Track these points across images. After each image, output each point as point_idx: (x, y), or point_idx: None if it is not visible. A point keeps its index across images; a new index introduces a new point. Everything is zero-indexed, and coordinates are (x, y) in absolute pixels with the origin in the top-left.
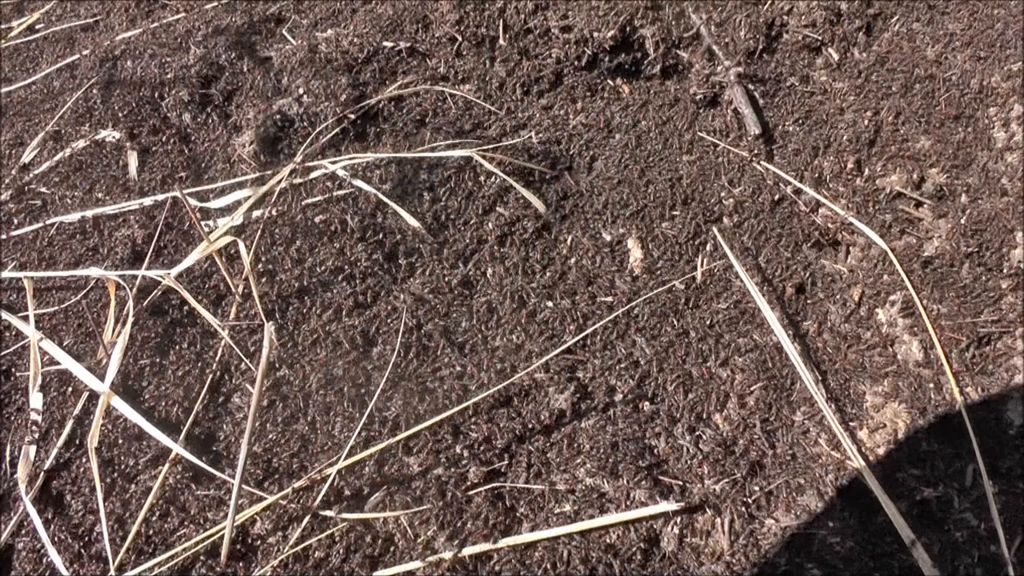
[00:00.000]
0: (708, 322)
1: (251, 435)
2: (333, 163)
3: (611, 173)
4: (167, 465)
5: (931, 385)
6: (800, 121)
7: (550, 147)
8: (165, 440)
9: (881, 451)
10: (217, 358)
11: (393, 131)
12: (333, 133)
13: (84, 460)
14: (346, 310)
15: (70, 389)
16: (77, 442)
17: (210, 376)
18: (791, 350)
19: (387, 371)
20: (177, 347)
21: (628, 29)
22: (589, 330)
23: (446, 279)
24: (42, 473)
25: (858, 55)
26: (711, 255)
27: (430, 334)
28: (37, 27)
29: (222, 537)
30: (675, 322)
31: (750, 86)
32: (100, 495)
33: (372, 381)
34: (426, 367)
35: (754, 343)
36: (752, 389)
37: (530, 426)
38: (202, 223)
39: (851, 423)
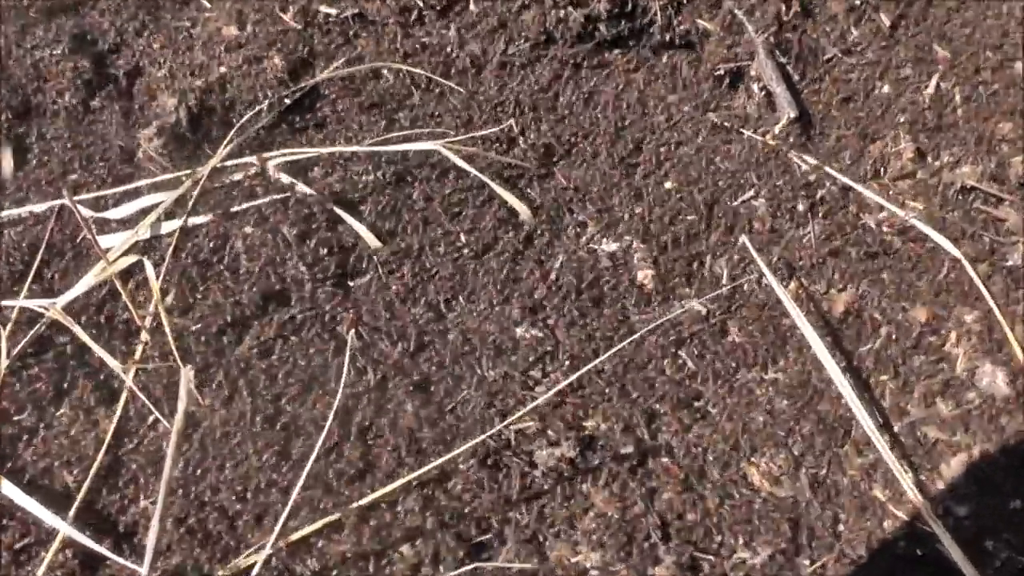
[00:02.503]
0: (737, 353)
1: (164, 508)
2: (265, 160)
3: (612, 169)
4: (53, 549)
5: (1021, 425)
6: (845, 101)
7: (535, 137)
8: (50, 519)
9: (961, 511)
10: (119, 410)
11: (339, 120)
12: (264, 122)
13: None
14: (284, 347)
15: None
16: None
17: (110, 432)
18: (843, 384)
19: (331, 423)
20: (68, 396)
21: None
22: (587, 367)
23: (408, 306)
24: None
25: (916, 19)
26: (738, 268)
27: (388, 375)
28: None
29: None
30: (695, 352)
31: (782, 59)
32: None
33: (311, 438)
34: (383, 417)
35: (795, 377)
36: (795, 434)
37: (519, 489)
38: (98, 238)
39: (921, 475)
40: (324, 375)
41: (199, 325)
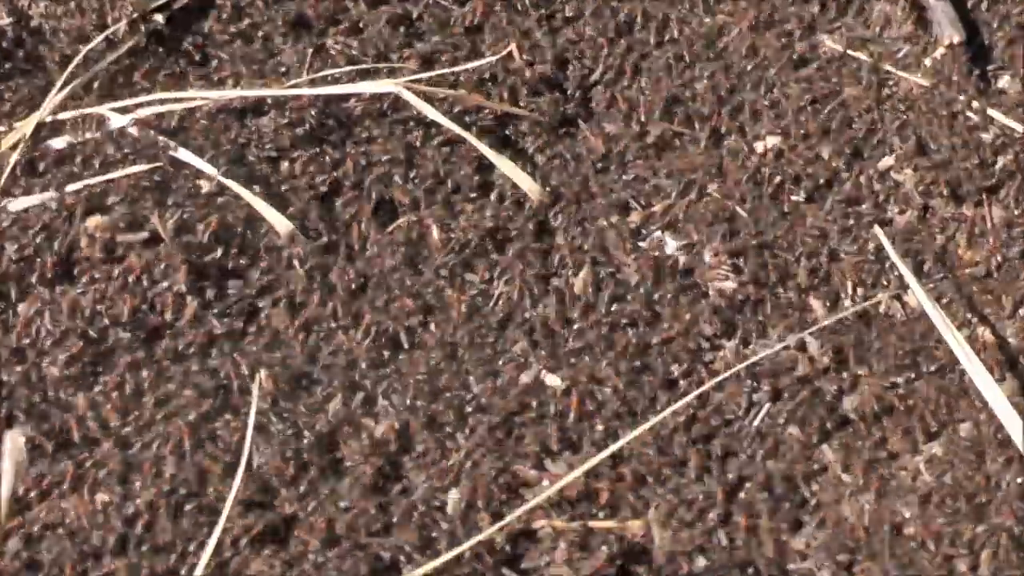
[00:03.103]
0: (868, 408)
1: None
2: (120, 111)
3: (667, 123)
4: None
5: None
6: None
7: (547, 73)
8: None
9: None
10: None
11: (239, 49)
12: (122, 52)
13: None
14: (158, 410)
15: None
16: None
17: None
18: None
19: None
20: None
21: None
22: (633, 433)
23: (351, 334)
24: None
25: None
26: (868, 277)
27: (320, 450)
28: None
29: None
30: (803, 416)
31: None
32: None
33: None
34: (310, 518)
35: (961, 444)
36: (971, 530)
37: None
38: None
39: None
40: (218, 448)
41: (18, 370)
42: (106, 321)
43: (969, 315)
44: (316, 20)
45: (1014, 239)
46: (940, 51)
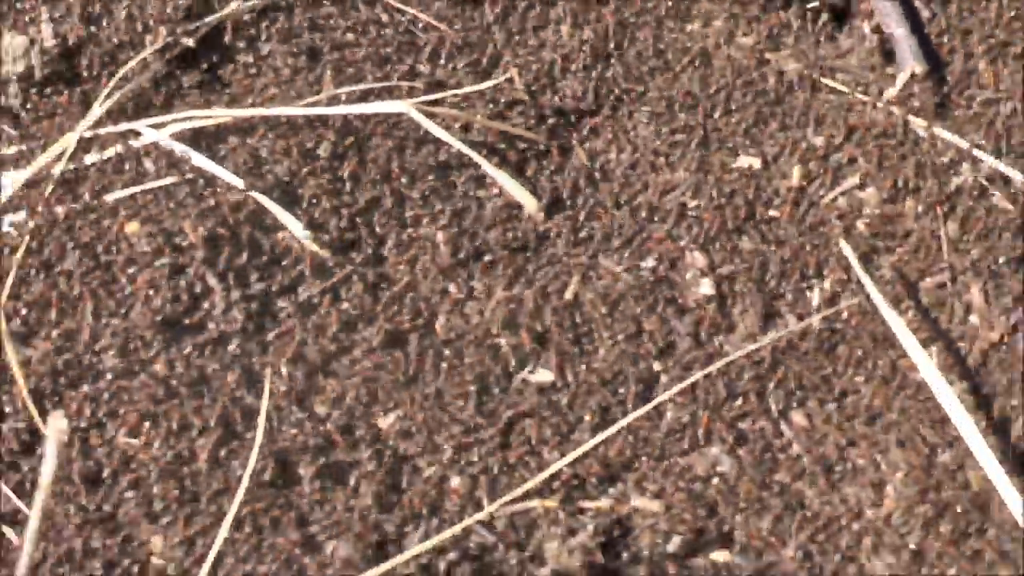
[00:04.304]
0: (831, 410)
1: None
2: (156, 126)
3: (654, 144)
4: None
5: None
6: (992, 50)
7: (544, 96)
8: None
9: None
10: None
11: (263, 69)
12: (157, 71)
13: None
14: (184, 398)
15: None
16: None
17: None
18: (986, 456)
19: (248, 487)
20: None
21: None
22: (621, 422)
23: (362, 336)
24: None
25: None
26: (836, 286)
27: (334, 437)
28: None
29: None
30: (773, 408)
31: None
32: None
33: (211, 531)
34: (327, 502)
35: (915, 461)
36: (921, 516)
37: None
38: None
39: None
40: (237, 432)
41: (60, 363)
42: (141, 320)
43: (924, 321)
44: (331, 45)
45: (967, 251)
46: (903, 80)
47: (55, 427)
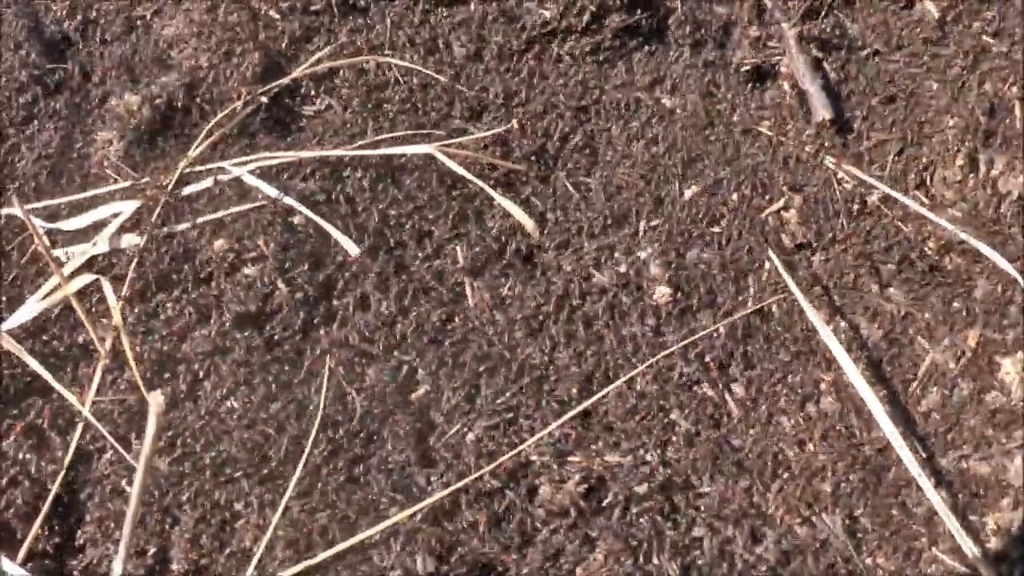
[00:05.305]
0: (764, 383)
1: (126, 553)
2: (238, 165)
3: (624, 175)
4: None
5: None
6: (887, 102)
7: (538, 139)
8: None
9: (1016, 554)
10: (73, 445)
11: (321, 120)
12: (237, 122)
13: None
14: (260, 372)
15: None
16: None
17: (63, 471)
18: (885, 422)
19: (310, 455)
20: (15, 429)
21: None
22: (597, 396)
23: (398, 329)
24: None
25: (970, 9)
26: (767, 289)
27: (371, 404)
28: None
29: None
30: (719, 383)
31: (817, 53)
32: None
33: (286, 480)
34: (373, 456)
35: (831, 412)
36: (831, 475)
37: (517, 536)
38: (52, 252)
39: (972, 519)
40: (304, 404)
41: (162, 352)
42: (226, 315)
43: (835, 315)
44: (373, 103)
45: (867, 259)
46: (817, 123)
47: (155, 402)
